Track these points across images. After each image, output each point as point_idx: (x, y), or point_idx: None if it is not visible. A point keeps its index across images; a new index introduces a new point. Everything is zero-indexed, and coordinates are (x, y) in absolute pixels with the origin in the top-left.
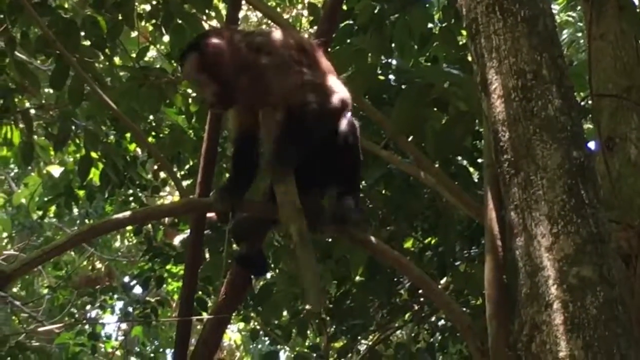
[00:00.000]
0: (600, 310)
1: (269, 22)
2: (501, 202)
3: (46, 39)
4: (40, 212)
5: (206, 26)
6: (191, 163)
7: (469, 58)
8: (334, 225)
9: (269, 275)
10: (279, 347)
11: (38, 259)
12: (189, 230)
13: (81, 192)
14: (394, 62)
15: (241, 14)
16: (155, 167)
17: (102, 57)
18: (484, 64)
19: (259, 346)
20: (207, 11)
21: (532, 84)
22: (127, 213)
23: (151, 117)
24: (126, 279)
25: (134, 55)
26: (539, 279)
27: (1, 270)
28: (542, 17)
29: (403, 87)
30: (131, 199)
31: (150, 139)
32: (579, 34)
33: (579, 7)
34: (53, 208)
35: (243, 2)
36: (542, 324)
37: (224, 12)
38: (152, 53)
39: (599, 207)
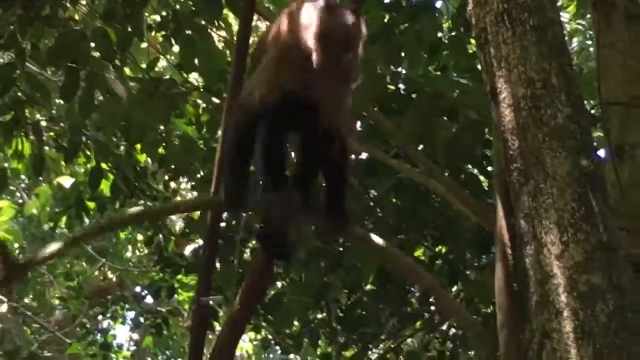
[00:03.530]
0: (611, 317)
1: None
2: (511, 211)
3: (56, 51)
4: (51, 223)
5: (215, 37)
6: (202, 173)
7: (479, 67)
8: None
9: (279, 284)
10: (290, 356)
11: (56, 252)
12: (200, 241)
13: (92, 204)
14: (404, 71)
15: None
16: (166, 177)
17: (112, 69)
18: (493, 73)
19: (271, 355)
20: (216, 22)
21: (541, 93)
22: (142, 208)
23: (162, 127)
24: (137, 289)
25: (144, 66)
26: (549, 287)
27: (15, 260)
28: (551, 25)
29: (413, 96)
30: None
31: (160, 150)
32: (589, 42)
33: (588, 15)
34: (64, 219)
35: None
36: (553, 332)
37: (232, 22)
38: (162, 63)
39: (608, 215)
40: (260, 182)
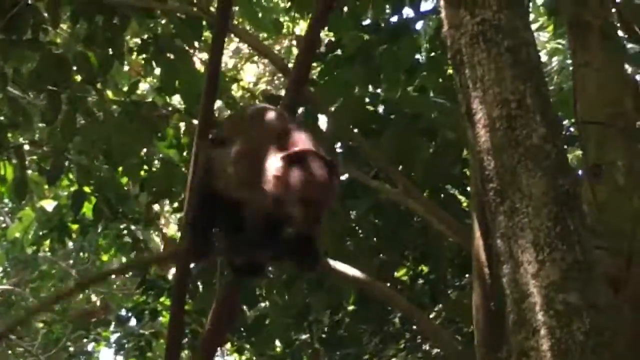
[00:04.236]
0: (587, 336)
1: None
2: (488, 231)
3: (38, 74)
4: (34, 247)
5: (197, 60)
6: (184, 196)
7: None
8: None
9: (261, 305)
10: None
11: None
12: None
13: (74, 226)
14: (382, 92)
15: (233, 46)
16: (148, 199)
17: (93, 92)
18: (468, 94)
19: None
20: (196, 44)
21: (517, 113)
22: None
23: (144, 150)
24: (122, 312)
25: (125, 89)
26: (526, 306)
27: None
28: (525, 46)
29: (391, 117)
30: (125, 232)
31: (142, 173)
32: (569, 61)
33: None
34: (47, 242)
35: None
36: (530, 350)
37: None
38: (143, 86)
39: (584, 233)
40: (223, 229)
